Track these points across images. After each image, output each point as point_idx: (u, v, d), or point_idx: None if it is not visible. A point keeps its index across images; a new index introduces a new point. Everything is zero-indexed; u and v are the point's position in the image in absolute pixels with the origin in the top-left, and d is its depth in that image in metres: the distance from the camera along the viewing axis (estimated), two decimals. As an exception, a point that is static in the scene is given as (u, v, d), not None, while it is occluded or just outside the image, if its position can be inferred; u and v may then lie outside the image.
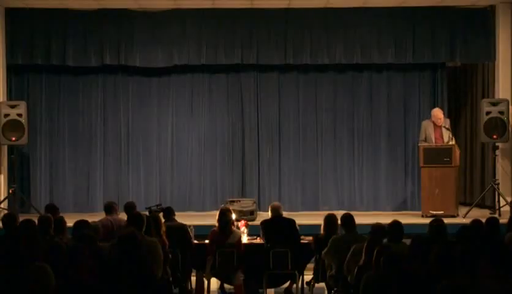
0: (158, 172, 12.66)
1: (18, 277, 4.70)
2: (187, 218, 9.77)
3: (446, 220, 7.36)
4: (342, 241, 7.36)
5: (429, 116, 11.77)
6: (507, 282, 4.63)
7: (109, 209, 8.66)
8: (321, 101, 12.78)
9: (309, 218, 10.85)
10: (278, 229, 8.54)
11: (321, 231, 8.07)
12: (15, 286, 4.68)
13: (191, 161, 12.72)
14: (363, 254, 6.28)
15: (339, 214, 8.15)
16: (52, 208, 8.38)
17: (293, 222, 8.68)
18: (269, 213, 8.85)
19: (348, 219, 7.68)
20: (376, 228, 6.78)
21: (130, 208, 8.56)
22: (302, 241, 8.63)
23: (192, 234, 8.70)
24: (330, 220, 8.05)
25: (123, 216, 8.47)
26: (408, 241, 6.17)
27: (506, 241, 5.97)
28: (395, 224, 6.75)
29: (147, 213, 8.40)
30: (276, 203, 8.99)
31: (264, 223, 8.77)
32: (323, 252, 7.60)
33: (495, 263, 4.77)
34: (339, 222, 7.82)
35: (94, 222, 7.64)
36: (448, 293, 4.16)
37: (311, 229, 9.07)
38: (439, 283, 4.60)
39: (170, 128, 12.76)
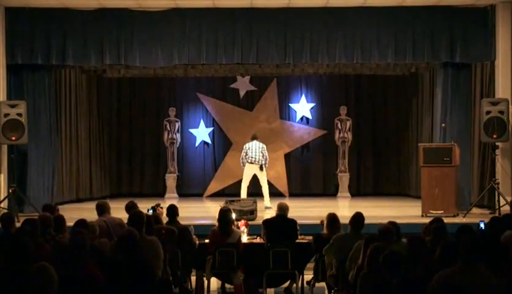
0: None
1: (20, 276, 4.69)
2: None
3: (446, 220, 7.37)
4: (344, 240, 7.36)
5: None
6: (506, 279, 4.65)
7: (102, 209, 8.44)
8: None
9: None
10: (280, 228, 8.54)
11: (324, 230, 8.07)
12: (17, 287, 4.67)
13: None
14: (361, 254, 6.27)
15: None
16: (49, 208, 8.34)
17: (295, 222, 8.68)
18: (276, 211, 8.90)
19: (358, 218, 7.64)
20: (383, 229, 6.68)
21: (131, 208, 8.52)
22: (302, 241, 8.63)
23: (192, 235, 8.69)
24: (332, 219, 8.05)
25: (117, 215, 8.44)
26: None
27: (503, 239, 5.99)
28: (385, 228, 6.58)
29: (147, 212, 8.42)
30: (284, 203, 8.97)
31: (266, 221, 8.79)
32: (324, 248, 7.59)
33: (495, 261, 4.80)
34: (348, 220, 7.79)
35: (92, 221, 7.61)
36: (447, 290, 4.18)
37: (311, 229, 9.07)
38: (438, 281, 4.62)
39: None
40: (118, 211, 8.82)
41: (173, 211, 8.71)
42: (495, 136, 11.49)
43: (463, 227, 6.48)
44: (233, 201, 11.17)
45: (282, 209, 8.77)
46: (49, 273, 4.63)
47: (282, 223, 8.62)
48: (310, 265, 8.50)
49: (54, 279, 4.64)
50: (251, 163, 13.22)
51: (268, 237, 8.50)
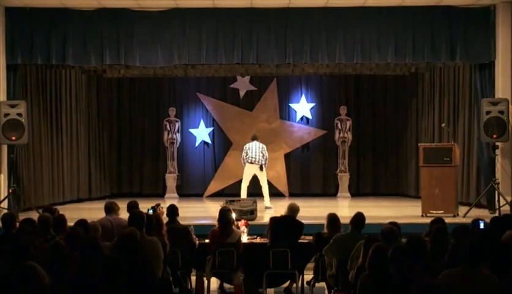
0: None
1: (10, 277, 4.69)
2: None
3: (446, 220, 7.38)
4: (344, 239, 7.36)
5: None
6: (507, 279, 4.67)
7: (109, 209, 8.63)
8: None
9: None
10: (285, 229, 8.52)
11: (325, 230, 8.07)
12: (9, 286, 4.67)
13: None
14: (361, 254, 6.27)
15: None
16: (49, 210, 8.35)
17: (302, 226, 8.67)
18: (286, 211, 8.88)
19: (359, 218, 7.64)
20: (386, 230, 6.66)
21: (132, 208, 8.54)
22: (302, 241, 8.63)
23: (192, 235, 8.69)
24: (333, 219, 8.05)
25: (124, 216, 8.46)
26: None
27: (504, 239, 6.00)
28: (388, 229, 6.58)
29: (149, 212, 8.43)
30: (295, 204, 8.95)
31: (274, 219, 8.77)
32: (324, 249, 7.59)
33: (496, 261, 4.81)
34: (348, 220, 7.79)
35: (93, 221, 7.64)
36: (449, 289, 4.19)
37: (311, 228, 9.07)
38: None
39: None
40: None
41: (173, 210, 8.71)
42: (495, 136, 11.49)
43: (458, 227, 6.50)
44: (233, 201, 11.17)
45: (292, 211, 8.75)
46: (38, 273, 4.63)
47: (288, 225, 8.60)
48: (310, 265, 8.51)
49: (43, 279, 4.64)
50: (251, 163, 13.22)
51: (271, 236, 8.48)
